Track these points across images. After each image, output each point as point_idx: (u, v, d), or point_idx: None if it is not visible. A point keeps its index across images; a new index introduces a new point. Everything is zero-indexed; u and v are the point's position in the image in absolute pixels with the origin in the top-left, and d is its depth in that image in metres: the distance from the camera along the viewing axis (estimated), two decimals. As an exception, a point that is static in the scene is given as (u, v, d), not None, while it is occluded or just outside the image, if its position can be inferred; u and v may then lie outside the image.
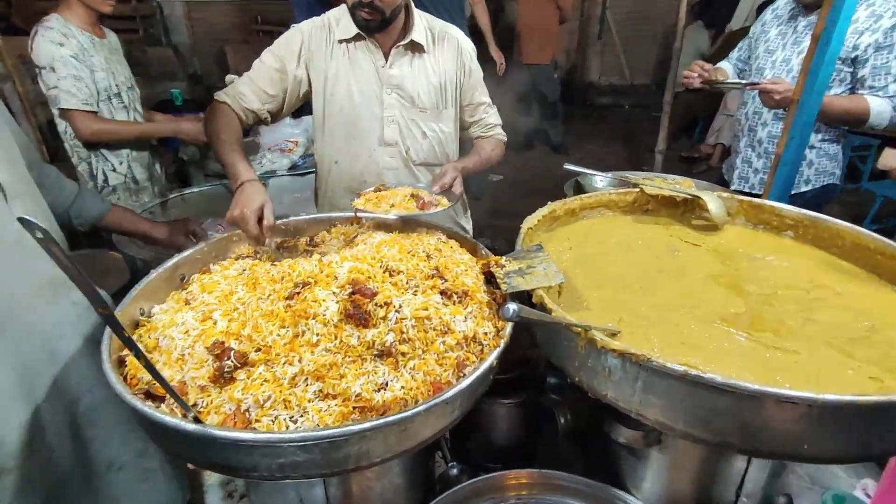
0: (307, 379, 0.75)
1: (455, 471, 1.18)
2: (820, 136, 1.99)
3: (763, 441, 0.75)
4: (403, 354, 0.81)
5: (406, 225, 1.20)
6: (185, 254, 1.14)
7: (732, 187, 2.24)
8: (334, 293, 0.83)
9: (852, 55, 1.80)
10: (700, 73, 1.99)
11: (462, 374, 0.83)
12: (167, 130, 2.25)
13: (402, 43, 1.48)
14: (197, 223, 1.52)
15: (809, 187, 2.05)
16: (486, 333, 0.90)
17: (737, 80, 2.07)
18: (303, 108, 1.65)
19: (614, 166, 1.76)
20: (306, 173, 2.30)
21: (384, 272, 0.90)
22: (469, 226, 1.87)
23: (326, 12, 1.51)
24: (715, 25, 6.18)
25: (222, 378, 0.74)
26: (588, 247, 1.26)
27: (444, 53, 1.54)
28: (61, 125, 2.05)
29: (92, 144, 2.09)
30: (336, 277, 0.86)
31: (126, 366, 0.85)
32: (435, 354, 0.83)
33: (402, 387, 0.78)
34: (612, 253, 1.23)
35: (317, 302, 0.81)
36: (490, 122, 1.69)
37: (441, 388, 0.80)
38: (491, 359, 0.83)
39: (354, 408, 0.75)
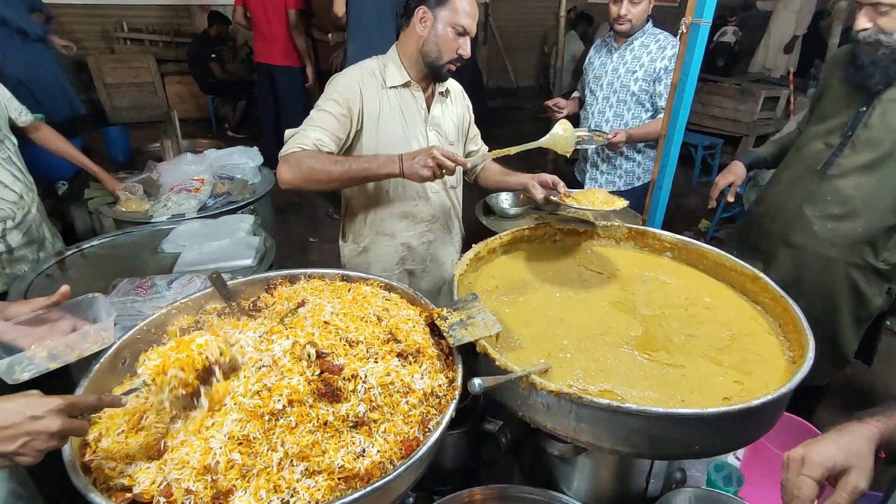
0: (292, 461, 0.83)
1: (411, 499, 1.30)
2: (642, 145, 2.62)
3: (667, 448, 0.96)
4: (375, 421, 0.91)
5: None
6: (124, 336, 1.12)
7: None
8: (307, 378, 0.90)
9: (653, 77, 2.45)
10: (558, 110, 2.62)
11: (427, 429, 0.94)
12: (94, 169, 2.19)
13: (441, 90, 1.80)
14: None
15: (640, 183, 2.70)
16: (440, 386, 1.02)
17: (591, 136, 2.48)
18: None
19: (511, 168, 2.05)
20: (218, 214, 2.24)
21: (345, 344, 0.99)
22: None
23: (366, 62, 1.73)
24: (586, 38, 6.80)
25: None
26: (512, 282, 1.43)
27: (455, 99, 1.87)
28: None
29: None
30: (304, 359, 0.93)
31: (92, 472, 0.85)
32: (401, 415, 0.94)
33: (378, 451, 0.88)
34: (533, 287, 1.41)
35: (290, 389, 0.88)
36: (482, 145, 2.03)
37: (411, 445, 0.91)
38: (450, 410, 0.96)
39: (339, 479, 0.83)
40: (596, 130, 2.53)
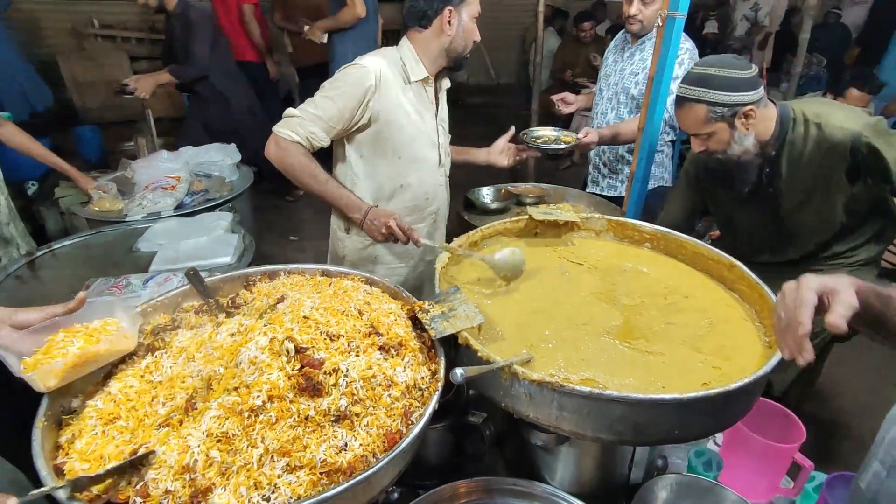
0: (273, 457, 0.81)
1: (396, 495, 1.30)
2: None
3: (648, 433, 0.97)
4: (357, 415, 0.90)
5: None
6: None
7: (587, 190, 2.71)
8: (287, 372, 0.88)
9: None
10: (564, 106, 2.44)
11: (410, 421, 0.94)
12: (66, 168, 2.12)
13: (448, 87, 1.86)
14: None
15: (648, 188, 2.52)
16: (423, 378, 1.02)
17: (558, 137, 2.30)
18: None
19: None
20: (195, 212, 2.19)
21: (325, 338, 0.97)
22: None
23: (383, 52, 1.71)
24: (563, 33, 6.85)
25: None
26: (493, 275, 1.42)
27: (444, 94, 1.89)
28: None
29: None
30: (283, 354, 0.91)
31: (65, 475, 0.83)
32: (383, 408, 0.93)
33: (361, 444, 0.87)
34: (513, 279, 1.41)
35: (269, 384, 0.86)
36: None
37: (394, 438, 0.90)
38: (433, 402, 0.96)
39: (322, 473, 0.82)
40: (564, 131, 2.33)
